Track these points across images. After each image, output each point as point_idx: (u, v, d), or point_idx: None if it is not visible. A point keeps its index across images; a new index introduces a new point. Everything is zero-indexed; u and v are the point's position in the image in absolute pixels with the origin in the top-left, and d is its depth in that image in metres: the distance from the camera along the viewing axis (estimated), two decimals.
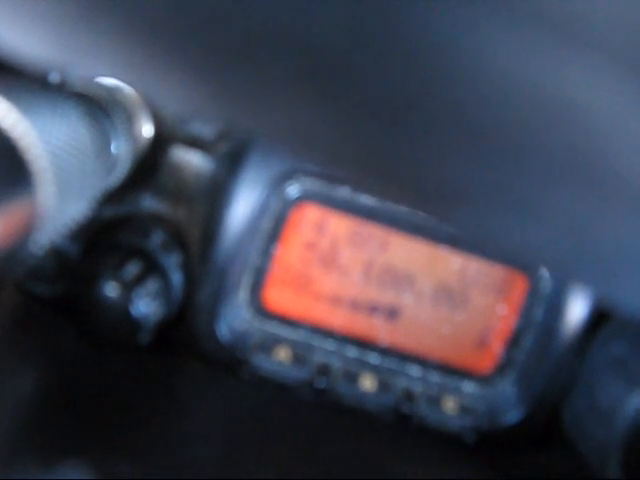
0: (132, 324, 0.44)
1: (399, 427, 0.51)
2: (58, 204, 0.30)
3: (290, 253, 0.50)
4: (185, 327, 0.50)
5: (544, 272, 0.50)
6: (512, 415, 0.51)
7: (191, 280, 0.49)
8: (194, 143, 0.48)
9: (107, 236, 0.47)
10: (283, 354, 0.51)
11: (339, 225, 0.50)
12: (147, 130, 0.46)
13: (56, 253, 0.48)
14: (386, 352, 0.52)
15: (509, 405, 0.51)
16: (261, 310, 0.51)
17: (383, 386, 0.51)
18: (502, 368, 0.51)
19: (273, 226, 0.49)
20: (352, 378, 0.51)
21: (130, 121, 0.43)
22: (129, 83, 0.30)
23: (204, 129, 0.48)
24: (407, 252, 0.50)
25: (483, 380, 0.52)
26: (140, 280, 0.45)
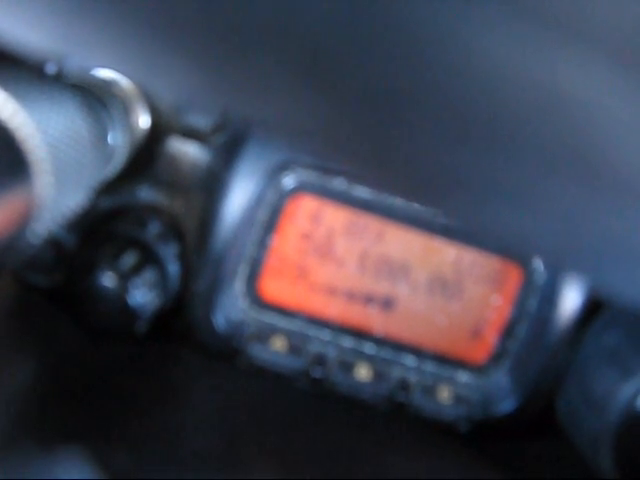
0: (129, 314, 0.44)
1: (394, 416, 0.51)
2: (55, 194, 0.30)
3: (286, 244, 0.51)
4: (182, 317, 0.50)
5: (538, 263, 0.50)
6: (506, 405, 0.51)
7: (188, 270, 0.49)
8: (191, 134, 0.48)
9: (104, 226, 0.47)
10: (279, 344, 0.51)
11: (335, 216, 0.50)
12: (144, 121, 0.46)
13: (53, 243, 0.48)
14: (381, 342, 0.52)
15: (503, 395, 0.51)
16: (257, 300, 0.51)
17: (378, 376, 0.51)
18: (496, 358, 0.52)
19: (269, 217, 0.49)
20: (347, 368, 0.51)
21: (127, 112, 0.43)
22: (125, 72, 0.30)
23: (201, 120, 0.48)
24: (402, 243, 0.51)
25: (477, 370, 0.52)
26: (137, 270, 0.45)
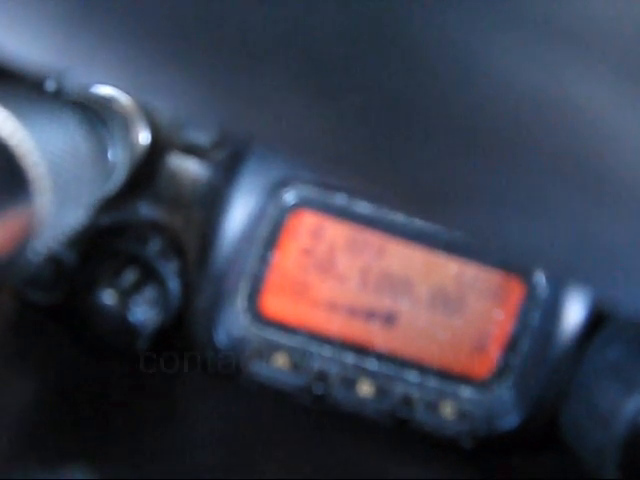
0: (130, 331, 0.44)
1: (397, 433, 0.51)
2: (55, 212, 0.30)
3: (287, 260, 0.51)
4: (183, 334, 0.50)
5: (540, 277, 0.50)
6: (509, 420, 0.51)
7: (188, 287, 0.49)
8: (191, 150, 0.48)
9: (104, 243, 0.47)
10: (281, 360, 0.51)
11: (336, 232, 0.50)
12: (144, 137, 0.46)
13: (53, 261, 0.48)
14: (383, 358, 0.52)
15: (506, 410, 0.51)
16: (258, 317, 0.51)
17: (381, 392, 0.51)
18: (499, 373, 0.52)
19: (270, 233, 0.49)
20: (350, 384, 0.51)
21: (127, 128, 0.43)
22: (125, 87, 0.30)
23: (201, 136, 0.48)
24: (404, 258, 0.51)
25: (480, 385, 0.52)
26: (137, 287, 0.45)
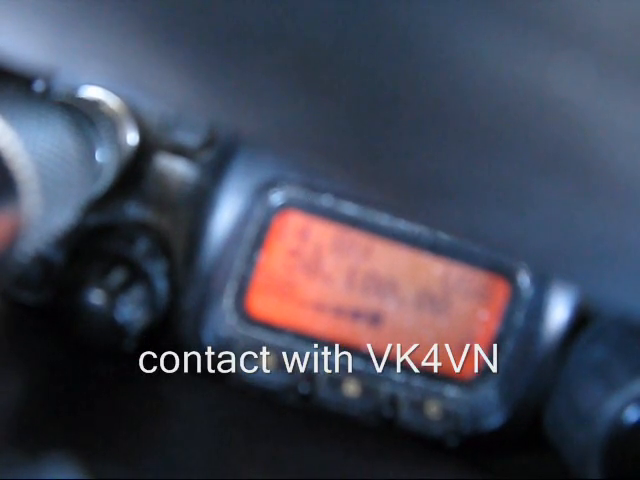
0: (117, 331, 0.44)
1: (382, 432, 0.51)
2: (43, 213, 0.30)
3: (274, 260, 0.51)
4: (170, 334, 0.50)
5: (525, 278, 0.50)
6: (494, 419, 0.51)
7: (176, 287, 0.49)
8: (179, 151, 0.48)
9: (92, 244, 0.47)
10: (267, 360, 0.51)
11: (323, 232, 0.50)
12: (132, 138, 0.46)
13: (41, 261, 0.48)
14: (369, 358, 0.52)
15: (491, 409, 0.51)
16: (245, 317, 0.51)
17: (367, 391, 0.51)
18: (484, 373, 0.52)
19: (257, 233, 0.50)
20: (336, 384, 0.51)
21: (115, 129, 0.43)
22: (113, 84, 0.30)
23: (189, 137, 0.48)
24: (390, 259, 0.51)
25: (465, 385, 0.52)
26: (125, 287, 0.45)
